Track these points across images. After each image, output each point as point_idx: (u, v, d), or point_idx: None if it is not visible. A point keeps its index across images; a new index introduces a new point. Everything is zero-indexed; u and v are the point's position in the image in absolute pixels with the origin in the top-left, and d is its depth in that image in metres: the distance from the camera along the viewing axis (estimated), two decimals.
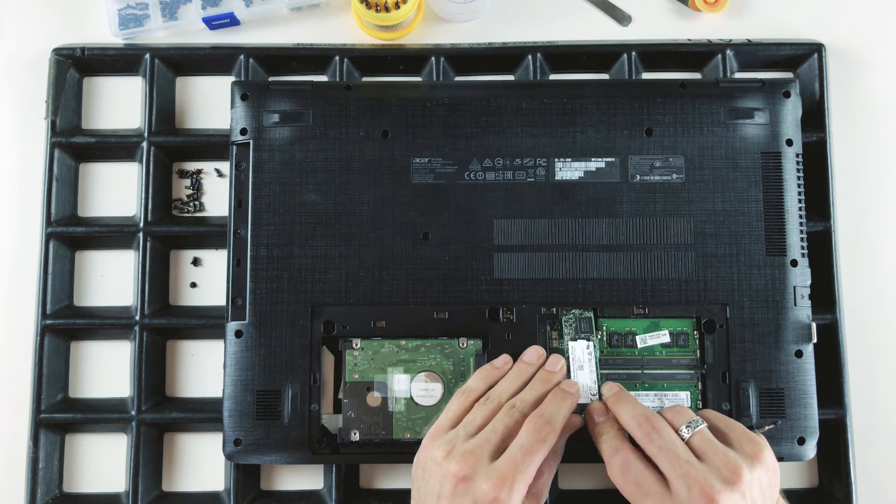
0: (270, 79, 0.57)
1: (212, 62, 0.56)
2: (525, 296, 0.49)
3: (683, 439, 0.43)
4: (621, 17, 0.58)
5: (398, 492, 0.53)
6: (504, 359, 0.48)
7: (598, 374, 0.49)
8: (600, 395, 0.48)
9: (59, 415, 0.52)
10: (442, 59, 0.55)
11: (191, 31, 0.57)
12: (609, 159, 0.51)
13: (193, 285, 0.55)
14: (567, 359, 0.49)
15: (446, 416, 0.46)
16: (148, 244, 0.53)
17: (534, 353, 0.48)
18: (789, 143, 0.51)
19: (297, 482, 0.53)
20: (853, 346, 0.54)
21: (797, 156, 0.51)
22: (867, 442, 0.53)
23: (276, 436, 0.48)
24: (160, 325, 0.53)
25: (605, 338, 0.50)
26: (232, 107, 0.51)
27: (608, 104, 0.51)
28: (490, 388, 0.47)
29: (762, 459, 0.42)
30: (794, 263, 0.50)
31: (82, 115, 0.57)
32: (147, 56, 0.55)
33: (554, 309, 0.50)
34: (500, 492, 0.41)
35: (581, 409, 0.48)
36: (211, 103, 0.57)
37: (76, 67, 0.56)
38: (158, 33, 0.57)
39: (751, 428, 0.46)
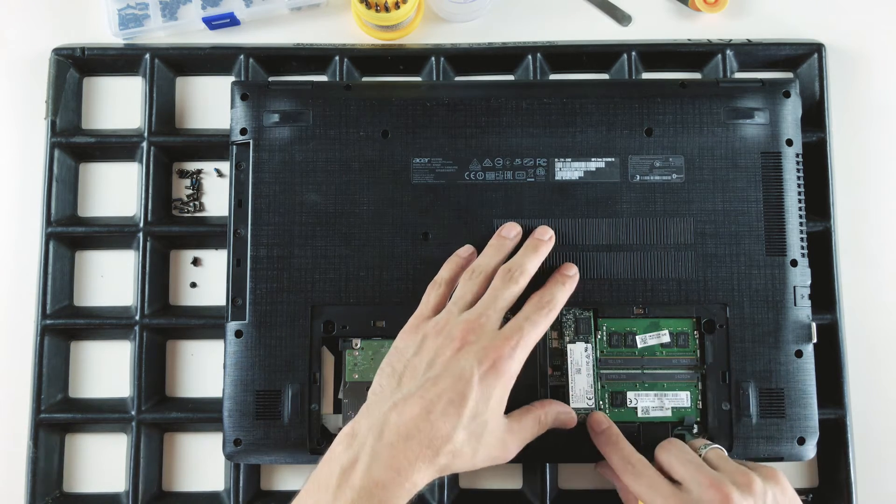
0: (270, 79, 0.57)
1: (212, 62, 0.56)
2: (524, 295, 0.49)
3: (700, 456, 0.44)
4: (621, 17, 0.58)
5: None
6: (468, 248, 0.49)
7: (595, 377, 0.49)
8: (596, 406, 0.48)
9: (59, 415, 0.52)
10: (442, 59, 0.55)
11: (191, 31, 0.57)
12: (609, 159, 0.51)
13: (193, 285, 0.55)
14: (566, 361, 0.49)
15: (426, 305, 0.46)
16: (148, 244, 0.53)
17: (510, 228, 0.48)
18: (789, 143, 0.51)
19: (297, 482, 0.53)
20: (853, 346, 0.54)
21: (797, 156, 0.51)
22: (867, 442, 0.53)
23: (276, 436, 0.48)
24: (160, 325, 0.53)
25: (604, 338, 0.50)
26: (232, 107, 0.51)
27: (608, 104, 0.51)
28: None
29: (778, 479, 0.43)
30: (794, 263, 0.50)
31: (82, 115, 0.57)
32: (147, 56, 0.55)
33: None
34: (503, 350, 0.41)
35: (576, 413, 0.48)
36: (211, 103, 0.57)
37: (76, 67, 0.56)
38: (158, 33, 0.57)
39: None
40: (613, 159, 0.51)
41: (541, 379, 0.48)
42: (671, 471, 0.43)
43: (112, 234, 0.54)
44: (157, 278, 0.54)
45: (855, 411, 0.53)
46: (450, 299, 0.46)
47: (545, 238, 0.48)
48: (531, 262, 0.46)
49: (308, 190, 0.50)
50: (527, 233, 0.49)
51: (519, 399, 0.46)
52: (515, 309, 0.45)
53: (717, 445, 0.46)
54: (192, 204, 0.56)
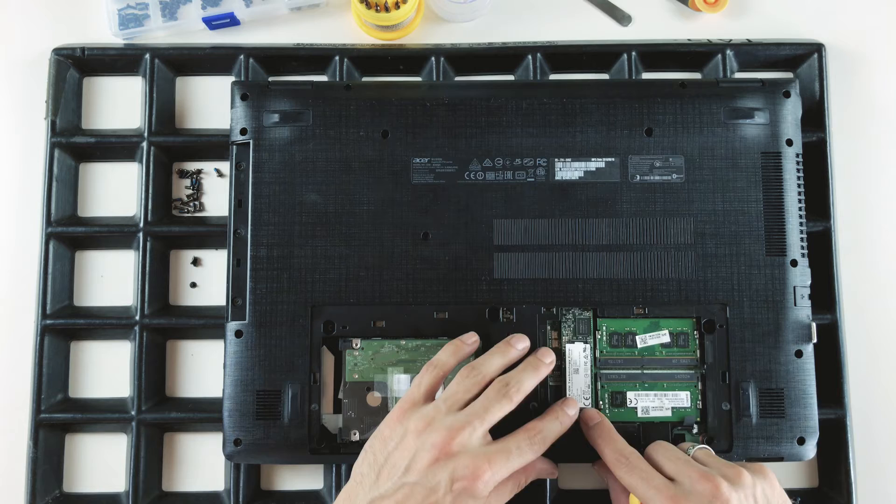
0: (270, 79, 0.57)
1: (212, 62, 0.56)
2: (525, 296, 0.49)
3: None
4: (621, 17, 0.58)
5: None
6: (473, 336, 0.48)
7: (595, 377, 0.49)
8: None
9: (59, 415, 0.52)
10: (442, 59, 0.55)
11: (191, 31, 0.57)
12: (609, 159, 0.51)
13: (193, 285, 0.55)
14: (564, 361, 0.49)
15: (418, 389, 0.45)
16: (148, 244, 0.53)
17: (520, 339, 0.47)
18: (789, 143, 0.51)
19: (297, 482, 0.53)
20: (853, 346, 0.54)
21: (797, 156, 0.51)
22: (867, 442, 0.53)
23: (276, 436, 0.48)
24: (160, 325, 0.53)
25: (605, 338, 0.50)
26: (232, 107, 0.51)
27: (608, 104, 0.51)
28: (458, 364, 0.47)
29: (766, 475, 0.44)
30: (794, 263, 0.50)
31: (82, 115, 0.57)
32: (147, 56, 0.55)
33: (554, 309, 0.50)
34: (482, 471, 0.40)
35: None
36: (211, 103, 0.57)
37: (76, 67, 0.56)
38: (158, 33, 0.57)
39: None
40: (613, 159, 0.51)
41: None
42: (662, 468, 0.44)
43: (112, 234, 0.54)
44: (157, 278, 0.54)
45: (855, 411, 0.53)
46: (444, 386, 0.45)
47: (546, 361, 0.47)
48: (530, 380, 0.45)
49: (308, 190, 0.50)
50: (531, 229, 0.49)
51: None
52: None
53: (704, 445, 0.46)
54: (192, 204, 0.56)
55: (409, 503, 0.40)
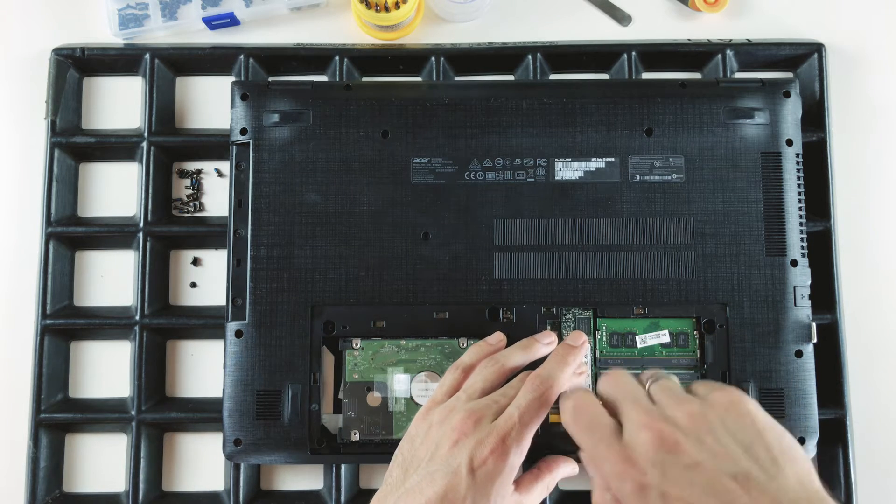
0: (270, 79, 0.57)
1: (212, 62, 0.56)
2: (525, 296, 0.50)
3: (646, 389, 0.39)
4: (621, 17, 0.58)
5: None
6: (498, 336, 0.48)
7: (593, 377, 0.49)
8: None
9: (59, 415, 0.52)
10: (442, 59, 0.55)
11: (191, 31, 0.57)
12: (609, 159, 0.51)
13: (193, 285, 0.55)
14: None
15: (440, 390, 0.45)
16: (148, 244, 0.53)
17: (547, 335, 0.47)
18: (789, 143, 0.51)
19: (297, 482, 0.53)
20: (853, 346, 0.54)
21: (797, 156, 0.51)
22: (867, 442, 0.53)
23: (276, 436, 0.48)
24: (160, 325, 0.53)
25: (605, 338, 0.50)
26: (232, 107, 0.51)
27: (608, 104, 0.51)
28: None
29: (731, 399, 0.36)
30: (794, 263, 0.50)
31: (82, 115, 0.57)
32: (147, 56, 0.55)
33: (554, 309, 0.50)
34: (498, 447, 0.39)
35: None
36: (211, 103, 0.57)
37: (76, 67, 0.56)
38: (158, 33, 0.57)
39: None
40: (613, 159, 0.51)
41: None
42: (616, 404, 0.38)
43: (112, 234, 0.54)
44: (157, 278, 0.54)
45: (855, 411, 0.53)
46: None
47: (578, 343, 0.45)
48: (563, 374, 0.43)
49: (308, 190, 0.50)
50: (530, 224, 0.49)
51: None
52: None
53: (665, 377, 0.39)
54: (192, 204, 0.56)
55: (430, 491, 0.39)
